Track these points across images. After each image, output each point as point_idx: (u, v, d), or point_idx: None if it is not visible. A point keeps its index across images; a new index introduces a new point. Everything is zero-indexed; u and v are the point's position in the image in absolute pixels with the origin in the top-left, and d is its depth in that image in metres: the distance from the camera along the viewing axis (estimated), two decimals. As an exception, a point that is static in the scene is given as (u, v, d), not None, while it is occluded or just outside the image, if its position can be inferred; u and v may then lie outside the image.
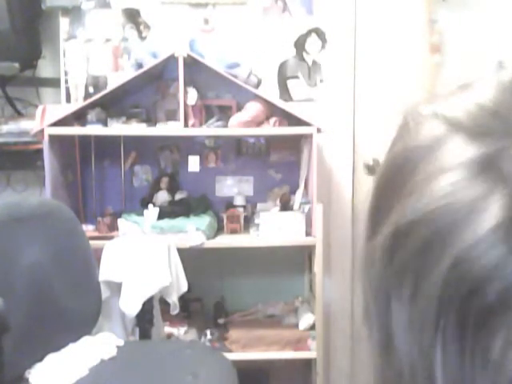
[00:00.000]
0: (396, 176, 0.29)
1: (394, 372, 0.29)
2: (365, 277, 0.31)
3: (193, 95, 2.16)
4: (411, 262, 0.27)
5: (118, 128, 2.20)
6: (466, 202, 0.24)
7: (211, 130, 2.21)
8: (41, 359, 1.61)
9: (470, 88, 0.29)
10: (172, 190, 2.40)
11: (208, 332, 2.22)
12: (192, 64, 2.17)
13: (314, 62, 2.47)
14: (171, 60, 2.12)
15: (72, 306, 1.74)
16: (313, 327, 2.22)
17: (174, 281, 2.02)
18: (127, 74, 2.27)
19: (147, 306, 1.98)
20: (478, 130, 0.26)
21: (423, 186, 0.26)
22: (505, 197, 0.24)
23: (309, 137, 2.18)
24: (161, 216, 2.16)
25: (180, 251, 2.08)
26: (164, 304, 2.08)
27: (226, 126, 2.19)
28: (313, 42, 2.45)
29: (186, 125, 2.14)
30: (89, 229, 2.20)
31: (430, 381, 0.26)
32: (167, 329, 2.22)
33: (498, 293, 0.24)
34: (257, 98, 2.21)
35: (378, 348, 0.31)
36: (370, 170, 2.54)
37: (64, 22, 2.38)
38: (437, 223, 0.25)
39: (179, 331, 2.23)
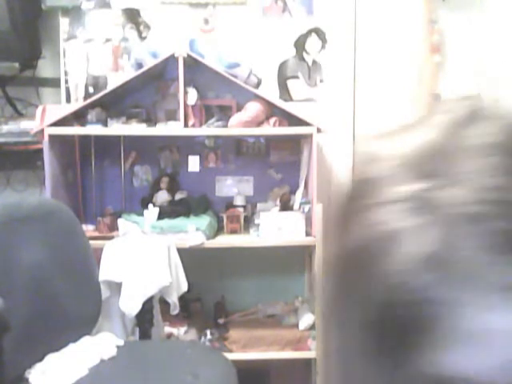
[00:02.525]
0: (349, 203, 0.33)
1: None
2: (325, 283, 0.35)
3: (193, 95, 2.16)
4: (347, 283, 0.30)
5: (118, 128, 2.20)
6: (398, 232, 0.27)
7: (211, 130, 2.21)
8: (41, 359, 1.61)
9: (417, 127, 0.32)
10: (172, 190, 2.40)
11: (208, 332, 2.22)
12: (192, 64, 2.17)
13: (314, 62, 2.47)
14: (171, 60, 2.12)
15: (72, 306, 1.74)
16: (313, 327, 2.22)
17: (174, 281, 2.02)
18: (127, 74, 2.27)
19: (147, 305, 1.98)
20: (421, 169, 0.29)
21: (367, 214, 0.29)
22: (437, 232, 0.26)
23: (309, 137, 2.18)
24: (161, 216, 2.16)
25: (180, 251, 2.08)
26: (164, 304, 2.08)
27: (225, 126, 2.18)
28: (313, 42, 2.45)
29: (186, 125, 2.14)
30: (89, 229, 2.20)
31: None
32: (167, 329, 2.22)
33: (417, 317, 0.25)
34: (257, 98, 2.21)
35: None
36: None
37: (64, 22, 2.38)
38: (371, 250, 0.28)
39: (179, 331, 2.23)
